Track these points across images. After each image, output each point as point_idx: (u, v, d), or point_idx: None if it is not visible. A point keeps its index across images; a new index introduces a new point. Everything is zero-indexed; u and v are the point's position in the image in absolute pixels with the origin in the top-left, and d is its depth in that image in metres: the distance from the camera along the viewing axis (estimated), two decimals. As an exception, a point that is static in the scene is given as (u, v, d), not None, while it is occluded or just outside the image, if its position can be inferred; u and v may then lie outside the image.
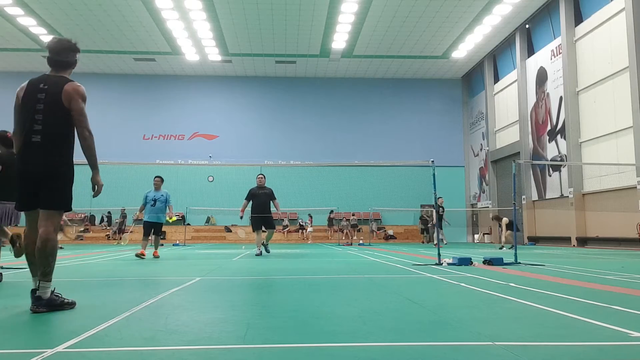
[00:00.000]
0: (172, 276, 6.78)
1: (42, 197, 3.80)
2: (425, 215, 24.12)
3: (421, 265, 8.57)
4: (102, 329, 3.00)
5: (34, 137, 3.79)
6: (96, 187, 4.02)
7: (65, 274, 7.14)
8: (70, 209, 3.94)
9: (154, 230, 11.21)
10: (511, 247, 15.93)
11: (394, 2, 21.92)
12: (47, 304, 3.67)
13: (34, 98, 3.84)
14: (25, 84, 3.96)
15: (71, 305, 3.83)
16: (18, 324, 3.42)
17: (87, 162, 3.97)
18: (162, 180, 11.43)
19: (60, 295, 3.81)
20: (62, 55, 4.01)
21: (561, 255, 12.74)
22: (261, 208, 11.97)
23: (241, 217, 12.35)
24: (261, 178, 12.27)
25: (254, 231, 12.18)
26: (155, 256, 10.96)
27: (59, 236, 4.30)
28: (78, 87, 3.91)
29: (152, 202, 11.06)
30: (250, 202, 12.10)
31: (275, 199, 12.13)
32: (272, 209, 12.11)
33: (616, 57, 18.18)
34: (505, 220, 18.08)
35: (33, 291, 3.72)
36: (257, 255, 11.87)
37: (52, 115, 3.81)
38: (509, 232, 17.88)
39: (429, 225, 22.92)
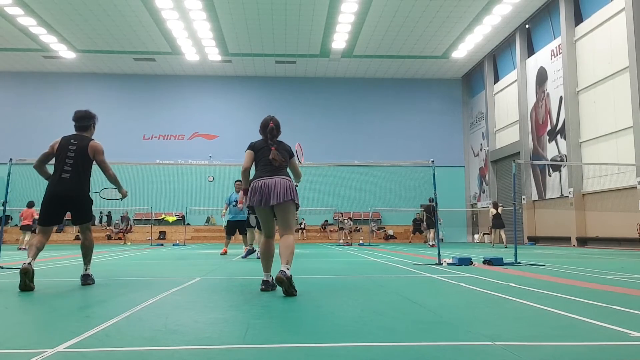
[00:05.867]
0: (172, 276, 6.77)
1: (78, 217, 5.48)
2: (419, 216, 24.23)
3: (421, 265, 8.57)
4: (102, 329, 3.00)
5: (63, 175, 5.34)
6: (122, 196, 5.98)
7: (65, 274, 7.14)
8: (92, 220, 5.71)
9: (238, 229, 12.05)
10: (504, 245, 16.12)
11: (394, 2, 21.91)
12: (92, 280, 5.61)
13: (66, 149, 5.41)
14: (59, 139, 5.50)
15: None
16: (18, 324, 3.42)
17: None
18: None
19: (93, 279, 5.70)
20: (83, 121, 5.60)
21: (561, 255, 12.74)
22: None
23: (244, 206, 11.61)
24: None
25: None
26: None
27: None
28: (98, 145, 5.52)
29: (234, 203, 11.95)
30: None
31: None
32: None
33: (616, 57, 18.18)
34: (492, 211, 18.69)
35: (28, 274, 5.04)
36: (243, 257, 11.10)
37: (80, 161, 5.40)
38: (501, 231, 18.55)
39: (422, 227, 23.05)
